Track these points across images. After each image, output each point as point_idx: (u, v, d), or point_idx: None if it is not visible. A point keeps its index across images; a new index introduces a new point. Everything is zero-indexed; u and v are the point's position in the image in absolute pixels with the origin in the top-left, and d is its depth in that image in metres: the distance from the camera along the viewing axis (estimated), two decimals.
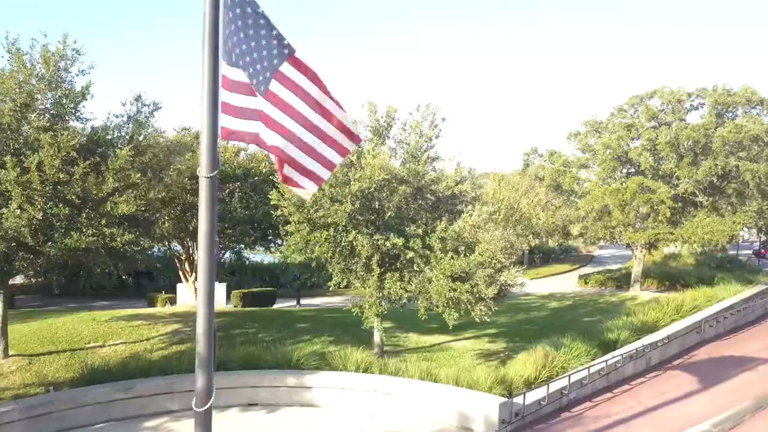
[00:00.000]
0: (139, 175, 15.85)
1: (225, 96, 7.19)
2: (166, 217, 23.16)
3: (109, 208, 14.96)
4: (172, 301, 28.91)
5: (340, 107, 5.84)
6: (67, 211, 15.11)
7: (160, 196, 16.37)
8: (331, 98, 5.80)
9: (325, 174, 6.22)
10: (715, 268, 43.74)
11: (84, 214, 15.48)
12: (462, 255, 16.53)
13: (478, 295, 15.92)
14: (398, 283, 16.77)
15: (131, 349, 18.66)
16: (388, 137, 18.89)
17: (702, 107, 32.13)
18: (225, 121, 7.07)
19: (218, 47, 6.56)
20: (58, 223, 15.07)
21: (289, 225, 16.99)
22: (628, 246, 36.35)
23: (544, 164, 36.15)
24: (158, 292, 31.43)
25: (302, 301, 34.59)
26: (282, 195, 17.01)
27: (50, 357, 17.44)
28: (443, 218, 16.92)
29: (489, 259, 16.26)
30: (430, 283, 16.43)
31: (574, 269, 53.32)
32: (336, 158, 6.22)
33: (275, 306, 33.00)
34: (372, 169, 16.14)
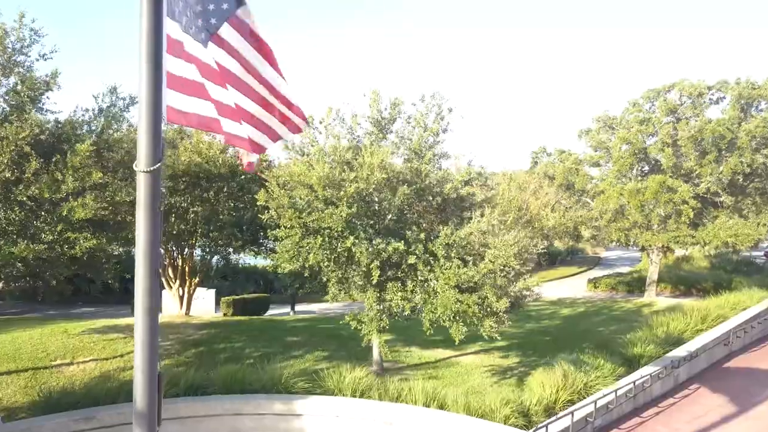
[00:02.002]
0: (101, 174, 13.92)
1: (174, 66, 5.23)
2: None
3: (65, 212, 13.02)
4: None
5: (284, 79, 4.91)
6: (22, 215, 13.23)
7: (129, 199, 14.45)
8: (277, 69, 4.81)
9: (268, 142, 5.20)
10: (731, 271, 41.76)
11: (42, 218, 13.59)
12: (470, 263, 14.62)
13: (488, 309, 14.00)
14: (399, 293, 14.85)
15: (101, 367, 16.74)
16: (391, 131, 16.97)
17: (723, 101, 30.18)
18: (172, 99, 5.11)
19: None
20: (10, 228, 13.17)
21: (278, 230, 15.09)
22: (643, 249, 34.43)
23: (554, 163, 34.19)
24: None
25: (298, 308, 32.68)
26: (271, 195, 15.10)
27: (9, 377, 15.52)
28: (449, 223, 15.00)
29: (501, 267, 14.33)
30: (435, 294, 14.53)
31: (582, 272, 51.35)
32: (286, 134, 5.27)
33: (269, 313, 31.09)
34: (370, 168, 14.21)
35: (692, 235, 28.72)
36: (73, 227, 13.86)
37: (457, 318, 14.04)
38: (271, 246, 21.32)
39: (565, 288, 40.79)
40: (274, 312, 31.48)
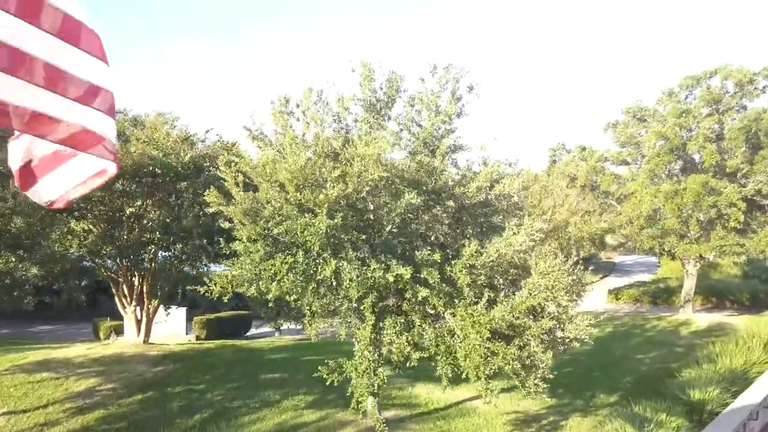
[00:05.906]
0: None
1: None
2: (95, 230, 17.44)
3: None
4: (119, 331, 23.09)
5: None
6: None
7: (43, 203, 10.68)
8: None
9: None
10: (766, 281, 38.02)
11: None
12: (502, 294, 10.78)
13: (530, 361, 10.19)
14: (405, 334, 10.98)
15: (16, 424, 12.86)
16: (390, 117, 13.06)
17: None
18: None
19: None
20: None
21: (236, 242, 11.26)
22: (673, 258, 30.57)
23: (575, 161, 30.35)
24: (105, 317, 25.62)
25: (285, 326, 28.72)
26: (226, 197, 11.25)
27: None
28: (471, 237, 11.13)
29: (545, 301, 10.53)
30: (453, 337, 10.68)
31: (599, 280, 47.41)
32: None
33: (252, 332, 27.22)
34: (364, 162, 10.32)
35: (741, 243, 24.84)
36: None
37: (488, 373, 10.24)
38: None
39: (584, 299, 36.87)
40: (258, 331, 27.61)
